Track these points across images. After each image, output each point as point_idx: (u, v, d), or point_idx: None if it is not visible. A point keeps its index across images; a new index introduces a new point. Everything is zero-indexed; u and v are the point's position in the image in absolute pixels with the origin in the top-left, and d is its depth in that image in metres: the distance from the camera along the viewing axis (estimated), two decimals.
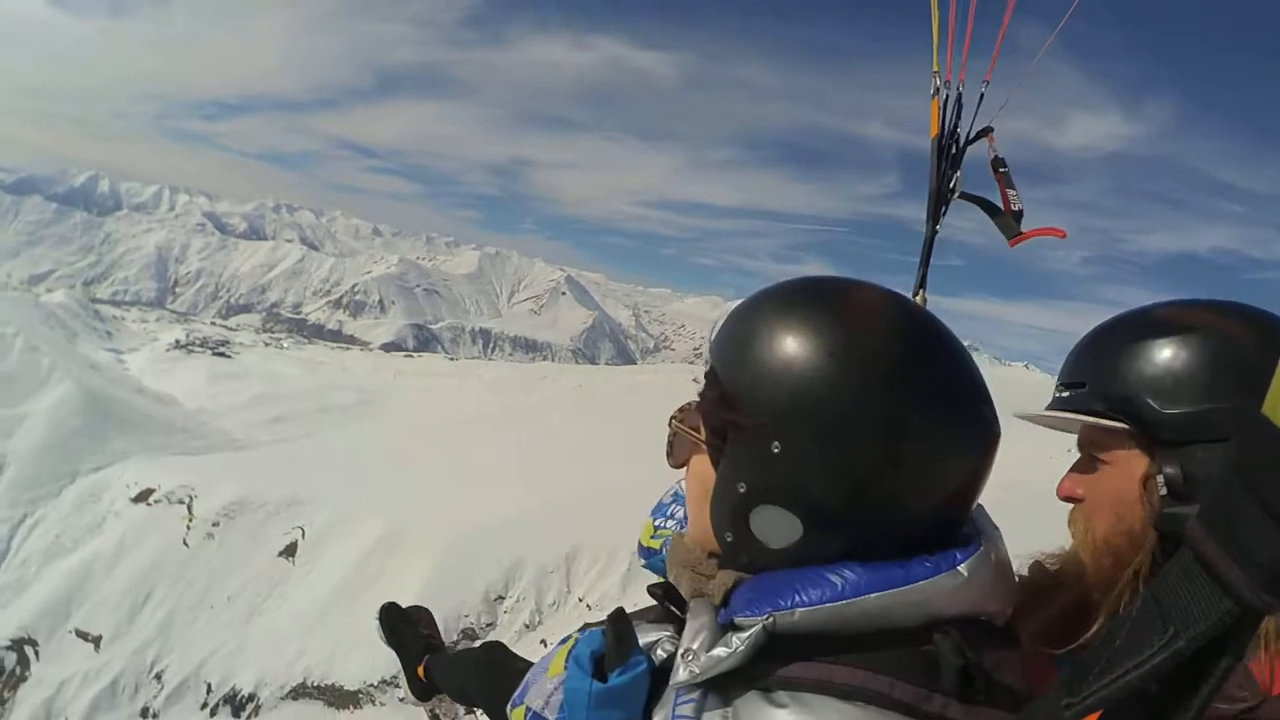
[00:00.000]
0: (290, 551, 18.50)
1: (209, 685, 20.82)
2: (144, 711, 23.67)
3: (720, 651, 1.13)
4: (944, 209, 2.32)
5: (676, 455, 1.39)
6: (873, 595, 1.10)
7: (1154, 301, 1.77)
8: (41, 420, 24.25)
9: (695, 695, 1.15)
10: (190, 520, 19.97)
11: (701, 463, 1.29)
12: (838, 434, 1.11)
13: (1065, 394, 1.75)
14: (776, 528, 1.17)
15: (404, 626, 2.21)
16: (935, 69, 2.29)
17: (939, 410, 1.15)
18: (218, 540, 19.31)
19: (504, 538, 15.82)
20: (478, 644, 2.00)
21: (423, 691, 2.12)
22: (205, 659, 20.13)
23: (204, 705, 22.19)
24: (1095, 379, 1.68)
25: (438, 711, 2.17)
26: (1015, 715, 1.05)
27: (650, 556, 1.60)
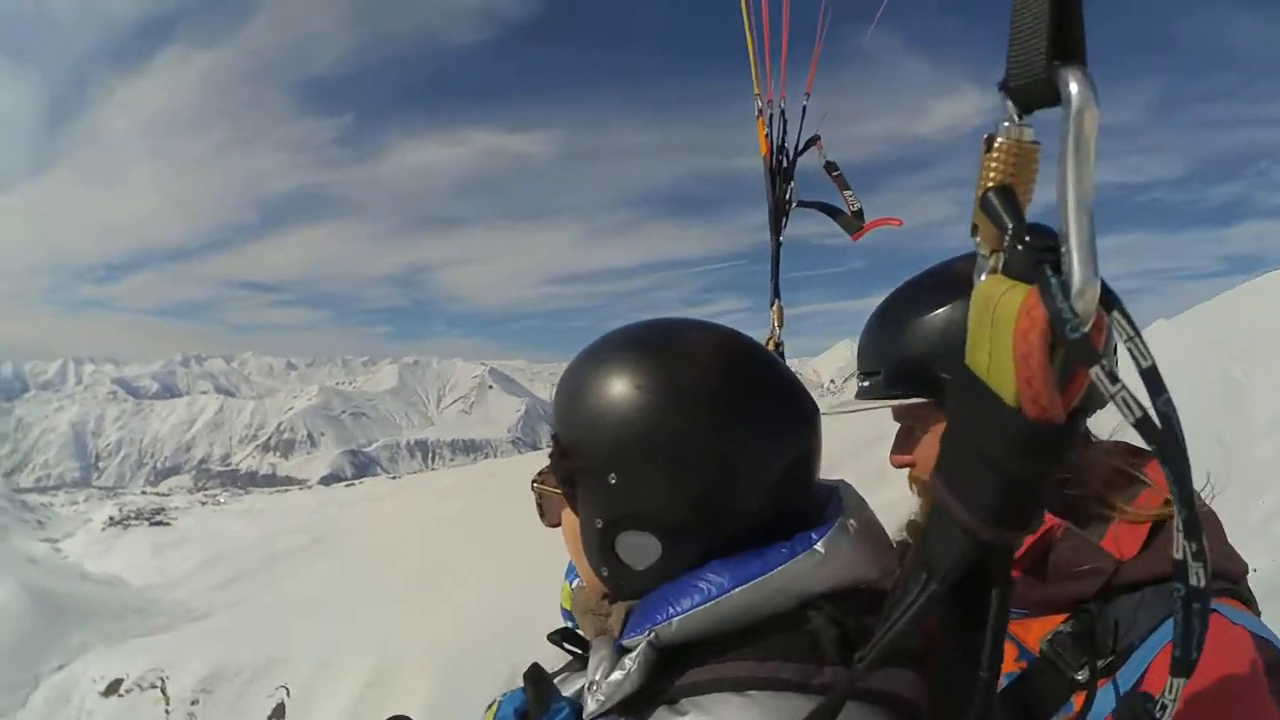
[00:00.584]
0: (279, 714, 17.69)
1: None
2: None
3: (616, 676, 1.19)
4: (785, 220, 2.44)
5: (548, 515, 1.46)
6: (738, 590, 1.16)
7: (918, 273, 1.88)
8: None
9: (610, 717, 1.21)
10: (168, 704, 19.09)
11: (568, 515, 1.37)
12: (660, 453, 1.22)
13: (866, 383, 1.89)
14: (639, 550, 1.26)
15: None
16: (756, 91, 2.41)
17: (752, 409, 1.25)
18: (201, 718, 18.48)
19: (499, 647, 15.44)
20: None
21: None
22: None
23: None
24: (887, 364, 1.81)
25: None
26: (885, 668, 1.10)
27: (572, 618, 1.60)
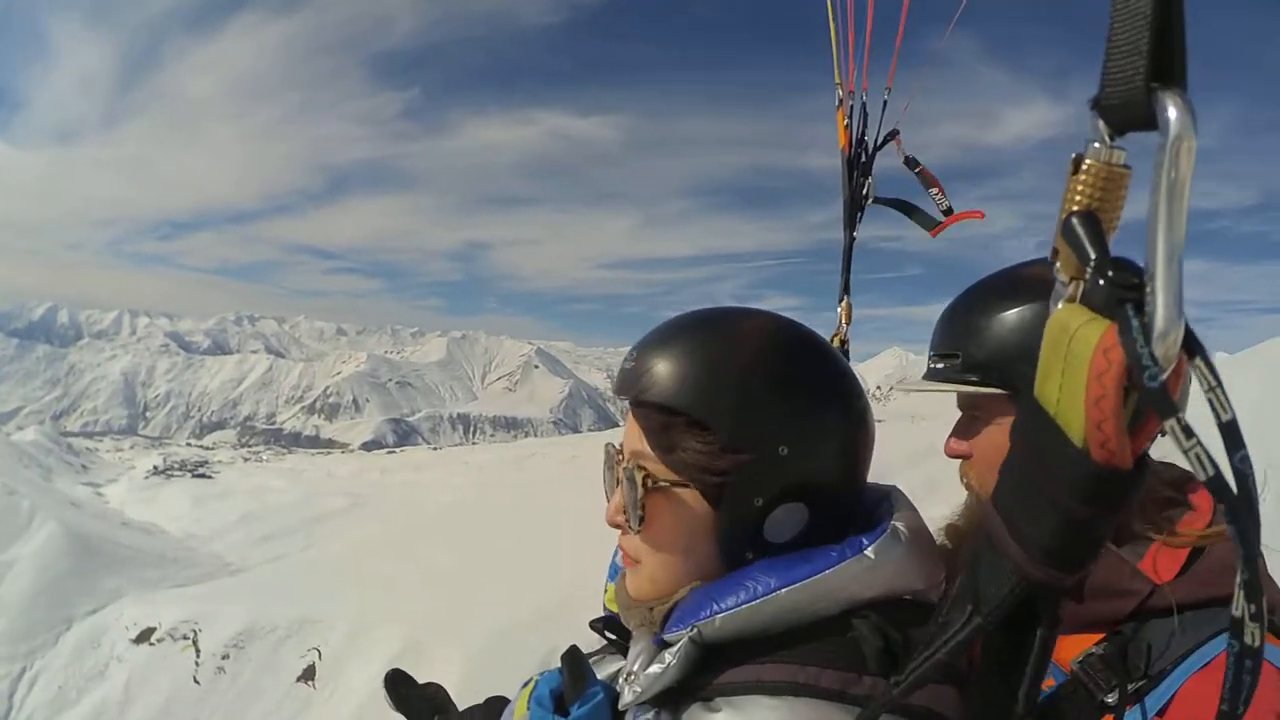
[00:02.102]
0: (309, 675, 17.45)
1: None
2: None
3: (655, 669, 1.23)
4: (860, 215, 2.40)
5: (651, 514, 1.34)
6: (784, 591, 1.17)
7: (1016, 264, 1.83)
8: (28, 566, 23.14)
9: (650, 715, 1.23)
10: (198, 656, 18.95)
11: (686, 508, 1.31)
12: (816, 421, 1.27)
13: (940, 365, 1.83)
14: (789, 522, 1.26)
15: (410, 691, 2.18)
16: (838, 80, 2.35)
17: (846, 385, 1.33)
18: (230, 673, 18.24)
19: (536, 627, 15.01)
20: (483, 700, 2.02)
21: None
22: None
23: None
24: (966, 350, 1.76)
25: None
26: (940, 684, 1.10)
27: (593, 622, 1.61)
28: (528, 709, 1.37)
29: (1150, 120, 0.60)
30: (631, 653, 1.33)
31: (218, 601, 21.47)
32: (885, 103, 2.41)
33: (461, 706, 2.03)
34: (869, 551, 1.19)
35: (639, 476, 1.32)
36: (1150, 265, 0.59)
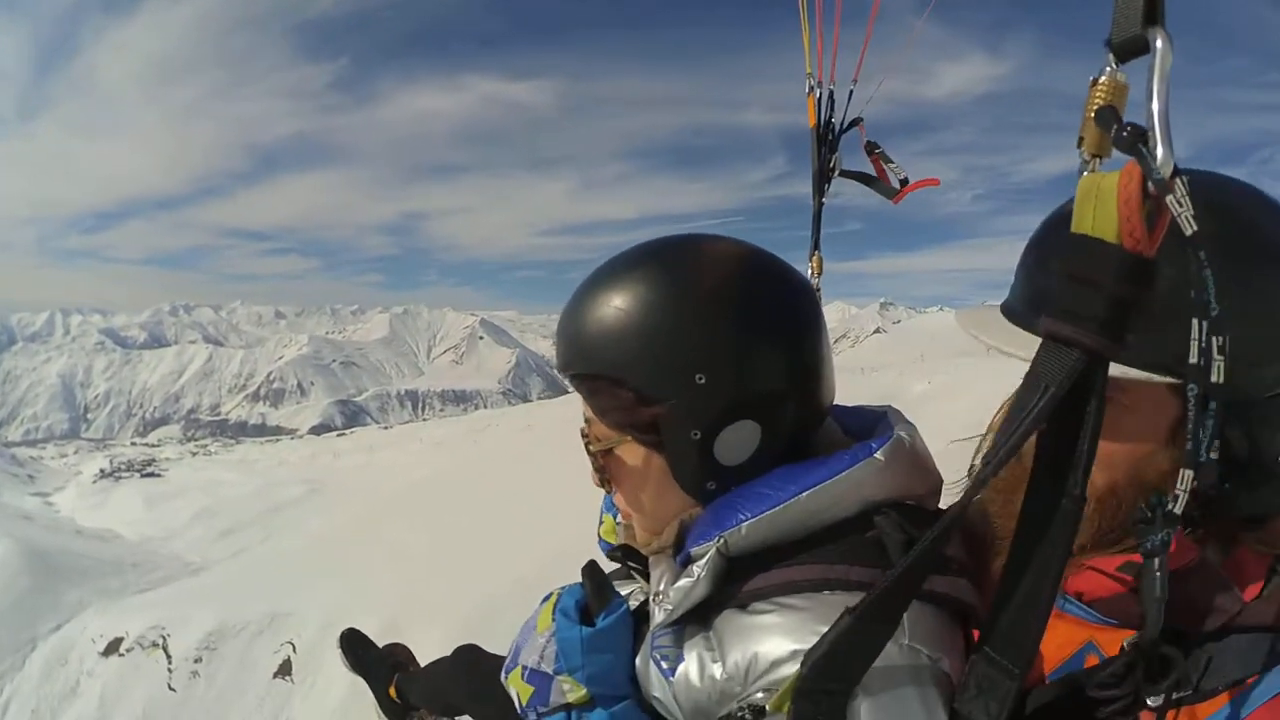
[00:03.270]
0: (285, 670, 17.24)
1: None
2: None
3: (684, 582, 1.26)
4: (827, 186, 2.57)
5: (612, 471, 1.45)
6: (804, 495, 1.23)
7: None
8: None
9: (672, 629, 1.30)
10: (170, 662, 18.68)
11: (638, 458, 1.39)
12: (734, 337, 1.29)
13: None
14: (740, 442, 1.32)
15: (367, 651, 2.25)
16: (809, 71, 2.52)
17: (789, 284, 1.40)
18: (204, 676, 17.95)
19: (517, 599, 14.97)
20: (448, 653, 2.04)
21: (396, 712, 2.15)
22: None
23: None
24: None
25: None
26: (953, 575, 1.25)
27: (611, 550, 1.62)
28: (553, 621, 1.40)
29: (1145, 48, 0.89)
30: (654, 575, 1.36)
31: (184, 604, 21.10)
32: (851, 92, 2.57)
33: None
34: (879, 454, 1.25)
35: (589, 444, 1.44)
36: (1150, 121, 0.87)
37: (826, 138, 2.58)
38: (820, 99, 2.57)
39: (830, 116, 2.58)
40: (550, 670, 1.38)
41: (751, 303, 1.32)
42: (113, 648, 19.89)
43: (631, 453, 1.40)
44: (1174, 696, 1.31)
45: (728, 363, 1.29)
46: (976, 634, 1.17)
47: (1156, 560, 1.06)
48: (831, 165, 2.57)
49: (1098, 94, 0.94)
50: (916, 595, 1.11)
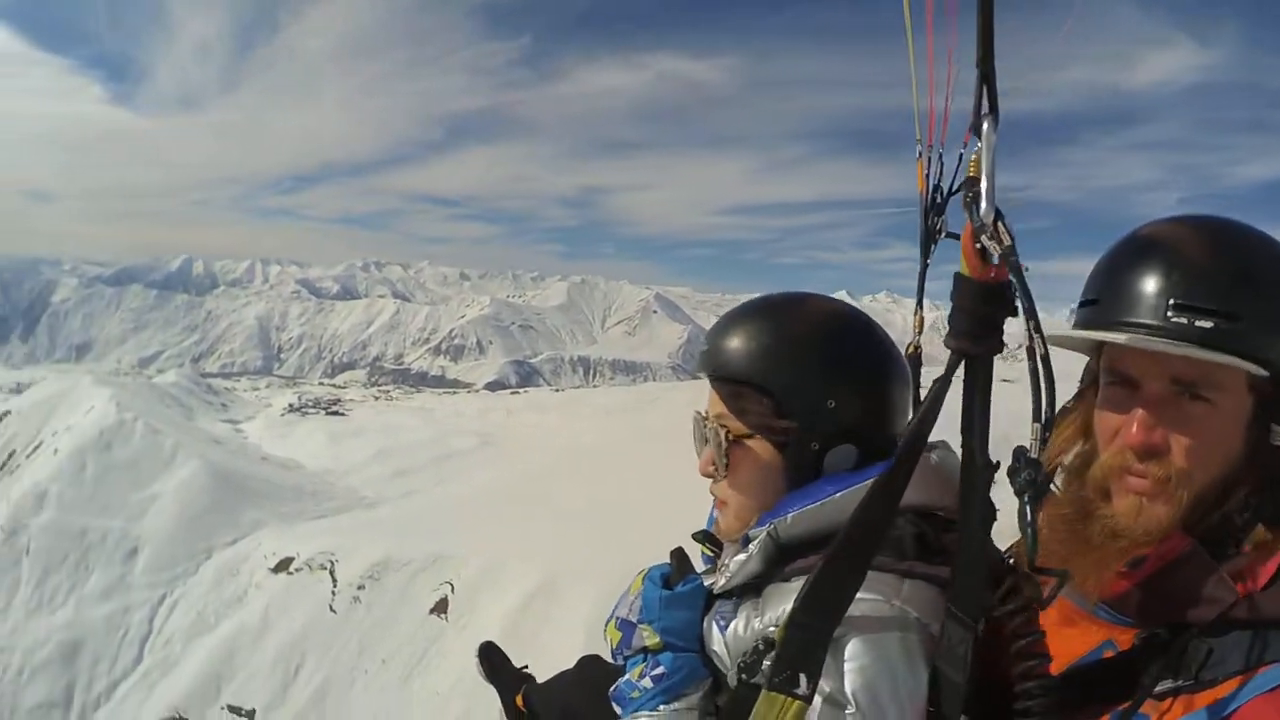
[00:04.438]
0: (442, 608, 17.45)
1: None
2: None
3: (740, 556, 1.63)
4: (933, 248, 2.42)
5: (733, 461, 1.76)
6: (839, 494, 1.56)
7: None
8: (171, 500, 23.87)
9: (733, 599, 1.66)
10: (334, 586, 19.17)
11: (761, 454, 1.73)
12: (856, 379, 1.72)
13: (1208, 324, 1.45)
14: (845, 457, 1.68)
15: (502, 663, 2.41)
16: (918, 137, 2.33)
17: (884, 350, 1.80)
18: (365, 603, 18.42)
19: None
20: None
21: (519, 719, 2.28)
22: None
23: None
24: (1257, 314, 1.44)
25: None
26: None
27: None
28: (642, 585, 1.81)
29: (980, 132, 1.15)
30: (724, 554, 1.79)
31: (354, 534, 21.67)
32: (961, 155, 2.31)
33: (591, 645, 2.14)
34: None
35: (722, 433, 1.74)
36: (979, 188, 1.15)
37: (934, 202, 2.44)
38: (930, 163, 2.40)
39: (939, 181, 2.41)
40: (635, 620, 1.76)
41: (871, 356, 1.77)
42: (283, 566, 20.59)
43: (760, 447, 1.73)
44: (1173, 685, 1.40)
45: (850, 397, 1.69)
46: None
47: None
48: (939, 228, 2.44)
49: (970, 167, 1.18)
50: (911, 575, 1.49)
